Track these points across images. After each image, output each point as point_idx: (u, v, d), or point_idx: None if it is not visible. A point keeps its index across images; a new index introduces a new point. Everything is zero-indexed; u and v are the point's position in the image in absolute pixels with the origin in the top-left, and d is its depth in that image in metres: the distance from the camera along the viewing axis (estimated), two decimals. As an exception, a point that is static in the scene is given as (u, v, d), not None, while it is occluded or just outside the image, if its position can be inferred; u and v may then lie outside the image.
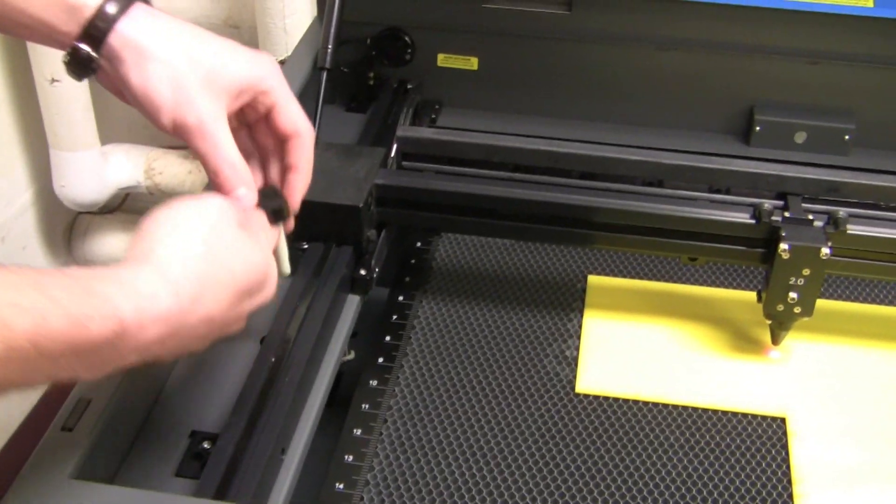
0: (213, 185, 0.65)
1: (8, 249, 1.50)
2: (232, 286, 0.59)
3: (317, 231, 0.83)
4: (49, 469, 0.61)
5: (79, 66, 0.63)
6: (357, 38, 1.06)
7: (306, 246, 0.83)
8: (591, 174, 0.89)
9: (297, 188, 0.70)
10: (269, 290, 0.64)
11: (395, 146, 0.90)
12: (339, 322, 0.81)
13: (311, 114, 0.91)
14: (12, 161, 1.54)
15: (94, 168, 1.51)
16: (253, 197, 0.65)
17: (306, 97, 0.96)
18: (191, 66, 0.63)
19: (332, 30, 0.97)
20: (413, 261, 0.97)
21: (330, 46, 0.96)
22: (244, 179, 0.65)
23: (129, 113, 1.57)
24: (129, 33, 0.63)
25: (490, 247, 0.99)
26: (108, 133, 1.55)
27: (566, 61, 1.06)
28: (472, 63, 1.07)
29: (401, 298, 0.93)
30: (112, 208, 1.66)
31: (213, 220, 0.60)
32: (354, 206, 0.81)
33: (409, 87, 1.07)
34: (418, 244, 0.99)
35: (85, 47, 0.63)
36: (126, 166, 1.54)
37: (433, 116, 1.08)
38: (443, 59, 1.07)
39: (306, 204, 0.82)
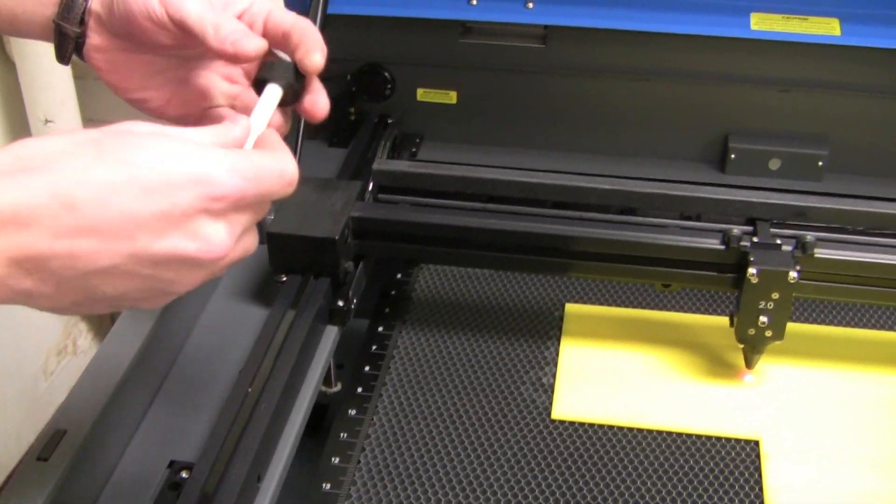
0: (217, 49, 0.62)
1: None
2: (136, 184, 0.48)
3: (294, 263, 0.85)
4: (23, 499, 0.62)
5: (71, 12, 0.64)
6: (337, 74, 1.08)
7: (284, 278, 0.85)
8: (565, 203, 0.90)
9: (309, 60, 0.64)
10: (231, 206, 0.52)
11: (371, 179, 0.91)
12: (317, 352, 0.82)
13: (292, 149, 0.93)
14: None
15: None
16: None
17: (287, 133, 0.98)
18: None
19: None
20: (393, 292, 0.99)
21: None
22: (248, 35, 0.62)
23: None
24: None
25: (469, 277, 1.01)
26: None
27: (543, 94, 1.08)
28: (451, 97, 1.09)
29: (380, 329, 0.94)
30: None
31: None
32: (330, 238, 0.83)
33: (389, 121, 1.09)
34: (398, 275, 1.00)
35: None
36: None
37: (414, 150, 1.10)
38: (422, 94, 1.10)
39: (283, 237, 0.84)
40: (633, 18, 0.99)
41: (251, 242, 0.57)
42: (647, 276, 0.86)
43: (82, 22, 0.65)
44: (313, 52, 0.64)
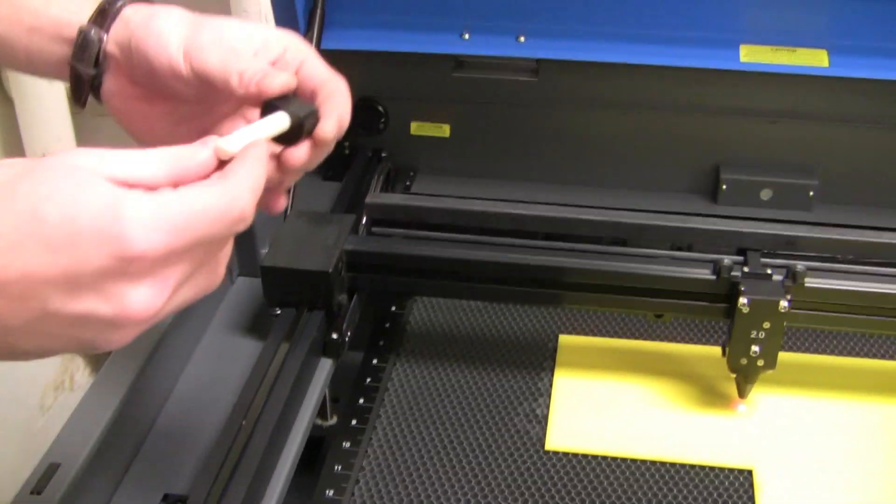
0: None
1: None
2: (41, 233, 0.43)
3: (288, 296, 0.85)
4: (16, 533, 0.63)
5: (85, 52, 0.61)
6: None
7: (278, 311, 0.85)
8: (556, 235, 0.91)
9: (321, 128, 0.60)
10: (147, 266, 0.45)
11: (364, 213, 0.92)
12: (311, 385, 0.83)
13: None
14: None
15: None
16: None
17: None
18: (200, 23, 0.60)
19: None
20: (387, 324, 0.99)
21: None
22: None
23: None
24: (134, 13, 0.61)
25: (463, 308, 1.01)
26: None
27: (536, 126, 1.09)
28: (445, 130, 1.10)
29: (375, 361, 0.95)
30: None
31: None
32: (323, 271, 0.83)
33: (383, 155, 1.10)
34: (393, 308, 1.01)
35: (95, 29, 0.61)
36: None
37: (408, 183, 1.10)
38: (416, 128, 1.11)
39: (277, 271, 0.84)
40: (624, 51, 1.00)
41: (204, 284, 0.51)
42: (638, 307, 0.87)
43: (98, 63, 0.61)
44: (328, 119, 0.60)
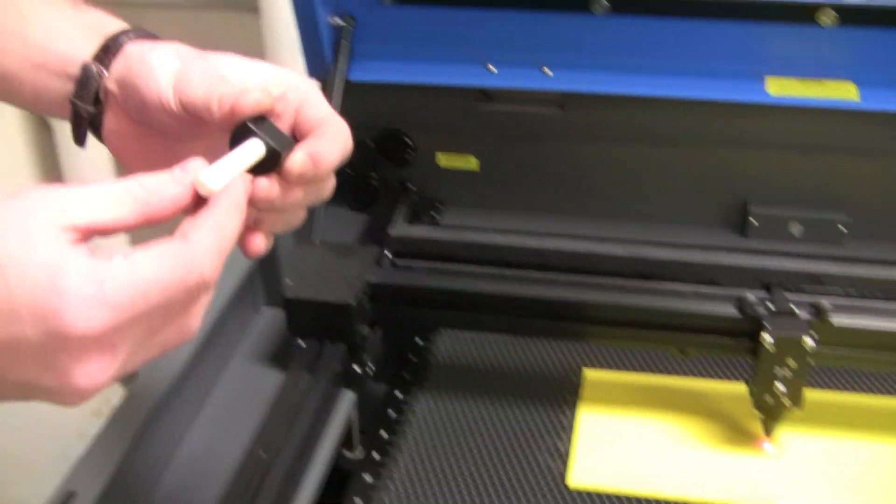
0: None
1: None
2: None
3: (312, 328, 0.85)
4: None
5: (85, 89, 0.59)
6: (359, 139, 1.09)
7: (301, 343, 0.85)
8: (581, 269, 0.91)
9: (301, 147, 0.55)
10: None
11: (387, 245, 0.92)
12: (332, 417, 0.83)
13: (311, 211, 0.95)
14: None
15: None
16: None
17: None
18: (194, 57, 0.58)
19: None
20: (412, 357, 0.99)
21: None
22: None
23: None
24: (135, 49, 0.59)
25: (489, 342, 1.01)
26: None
27: (562, 159, 1.09)
28: (472, 163, 1.10)
29: (398, 394, 0.94)
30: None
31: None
32: (346, 303, 0.84)
33: (409, 186, 1.11)
34: (417, 340, 1.01)
35: (96, 65, 0.59)
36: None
37: (434, 216, 1.10)
38: (442, 160, 1.11)
39: (300, 302, 0.85)
40: (651, 85, 0.99)
41: (173, 339, 0.48)
42: (662, 342, 0.86)
43: (98, 101, 0.59)
44: (298, 151, 0.54)
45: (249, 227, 0.55)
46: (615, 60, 1.00)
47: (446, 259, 0.91)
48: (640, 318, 0.85)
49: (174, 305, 0.45)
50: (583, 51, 1.01)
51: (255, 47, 1.45)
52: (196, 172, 0.48)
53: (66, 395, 0.44)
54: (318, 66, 1.03)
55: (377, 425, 0.91)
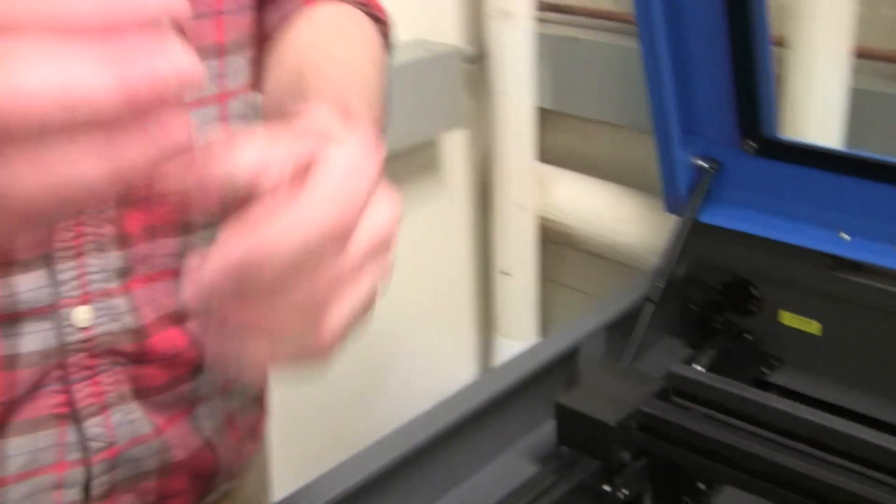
0: None
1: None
2: None
3: (576, 440, 0.90)
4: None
5: None
6: (708, 282, 1.11)
7: (564, 449, 0.90)
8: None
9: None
10: None
11: (668, 380, 0.94)
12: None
13: (633, 340, 1.00)
14: (460, 343, 1.77)
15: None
16: None
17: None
18: None
19: (669, 266, 1.05)
20: (687, 500, 0.98)
21: (662, 283, 1.04)
22: None
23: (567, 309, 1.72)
24: None
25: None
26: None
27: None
28: (814, 326, 1.07)
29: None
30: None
31: None
32: (605, 423, 0.87)
33: (746, 336, 1.10)
34: (699, 485, 0.99)
35: None
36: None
37: (765, 371, 1.08)
38: (785, 317, 1.09)
39: (569, 412, 0.89)
40: None
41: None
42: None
43: None
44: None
45: None
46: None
47: (722, 410, 0.90)
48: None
49: None
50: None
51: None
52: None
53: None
54: (673, 201, 1.08)
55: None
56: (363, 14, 0.73)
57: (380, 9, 0.75)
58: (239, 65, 0.67)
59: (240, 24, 0.67)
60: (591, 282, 1.73)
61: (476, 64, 1.56)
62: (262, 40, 0.70)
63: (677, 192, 1.07)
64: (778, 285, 1.08)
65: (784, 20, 1.15)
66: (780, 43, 1.15)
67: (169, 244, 0.62)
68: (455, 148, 1.66)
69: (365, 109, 0.61)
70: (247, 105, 0.68)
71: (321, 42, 0.68)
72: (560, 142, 1.67)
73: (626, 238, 1.51)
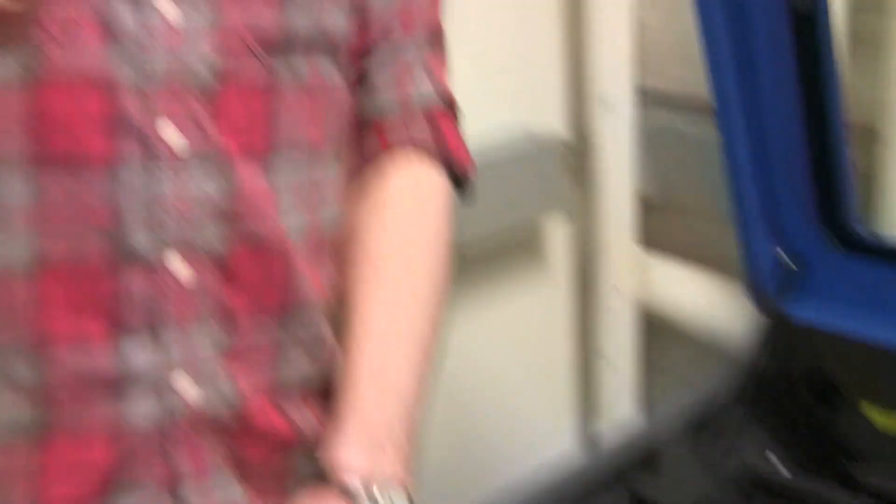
0: None
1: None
2: None
3: None
4: None
5: None
6: (790, 375, 1.09)
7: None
8: None
9: None
10: None
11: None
12: None
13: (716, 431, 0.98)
14: (560, 424, 1.76)
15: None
16: None
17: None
18: None
19: (754, 361, 1.04)
20: None
21: (747, 379, 1.03)
22: None
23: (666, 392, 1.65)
24: None
25: None
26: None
27: None
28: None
29: None
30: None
31: None
32: None
33: (830, 431, 1.07)
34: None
35: None
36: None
37: (849, 468, 1.05)
38: (871, 414, 1.06)
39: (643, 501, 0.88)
40: None
41: None
42: None
43: None
44: None
45: None
46: None
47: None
48: None
49: None
50: None
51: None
52: None
53: None
54: (757, 295, 1.06)
55: None
56: (437, 179, 0.70)
57: (461, 157, 0.71)
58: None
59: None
60: (689, 368, 1.70)
61: (578, 154, 1.57)
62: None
63: (760, 286, 1.06)
64: (864, 381, 1.06)
65: (876, 114, 1.15)
66: (872, 137, 1.14)
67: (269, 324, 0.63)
68: (556, 232, 1.67)
69: (401, 432, 0.63)
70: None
71: (383, 305, 0.66)
72: (664, 229, 1.66)
73: (722, 325, 1.49)
